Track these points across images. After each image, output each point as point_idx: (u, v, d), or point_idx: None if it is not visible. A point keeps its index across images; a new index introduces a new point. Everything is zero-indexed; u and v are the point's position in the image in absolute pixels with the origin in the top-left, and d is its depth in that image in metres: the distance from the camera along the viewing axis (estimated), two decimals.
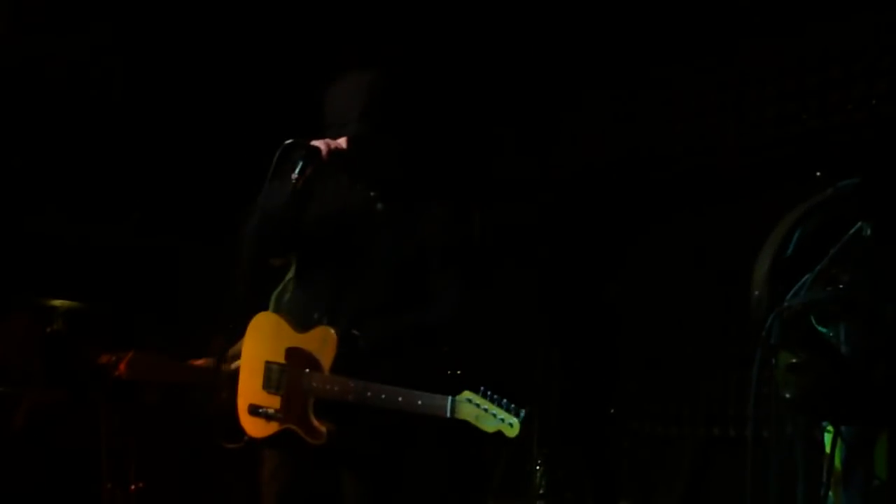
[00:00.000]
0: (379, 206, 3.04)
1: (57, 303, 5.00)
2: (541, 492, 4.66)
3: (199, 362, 4.59)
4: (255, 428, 3.01)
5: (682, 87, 5.39)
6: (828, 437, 2.14)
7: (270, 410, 2.96)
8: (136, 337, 5.06)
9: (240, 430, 3.05)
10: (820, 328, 2.06)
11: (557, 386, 5.68)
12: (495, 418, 2.75)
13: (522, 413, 2.75)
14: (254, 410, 3.00)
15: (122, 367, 4.53)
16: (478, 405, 2.76)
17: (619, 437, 5.57)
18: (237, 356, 3.28)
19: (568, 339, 5.77)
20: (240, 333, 3.18)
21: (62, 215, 5.85)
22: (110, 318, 5.34)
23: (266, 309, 3.18)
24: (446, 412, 2.78)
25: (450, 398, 2.78)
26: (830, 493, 2.14)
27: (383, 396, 2.83)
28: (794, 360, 2.04)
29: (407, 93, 3.05)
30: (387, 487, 3.01)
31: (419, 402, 2.81)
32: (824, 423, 2.15)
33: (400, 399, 2.81)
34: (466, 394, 2.78)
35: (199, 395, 4.22)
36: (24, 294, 5.07)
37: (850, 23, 4.68)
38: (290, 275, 3.23)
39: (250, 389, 3.04)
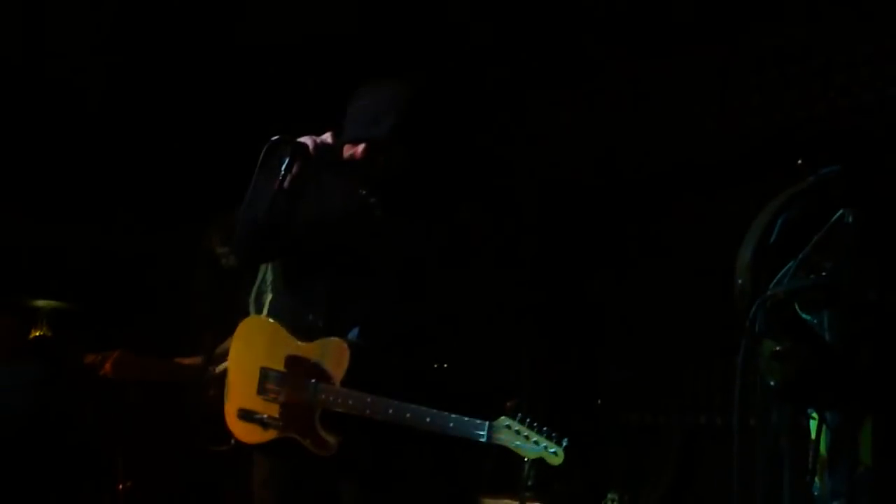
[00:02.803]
0: (378, 212, 3.00)
1: (41, 303, 4.97)
2: (529, 483, 4.66)
3: (187, 361, 4.57)
4: (246, 433, 2.96)
5: (664, 78, 5.40)
6: (813, 424, 2.15)
7: (267, 417, 2.90)
8: (123, 336, 5.03)
9: (226, 434, 3.00)
10: (803, 315, 2.07)
11: (544, 378, 5.69)
12: (538, 446, 2.69)
13: (566, 441, 2.70)
14: (247, 416, 2.93)
15: (107, 366, 4.50)
16: (518, 431, 2.70)
17: (606, 427, 5.59)
18: (225, 356, 3.24)
19: (554, 332, 5.78)
20: (228, 333, 3.14)
21: (46, 216, 5.82)
22: (96, 318, 5.31)
23: (243, 312, 3.13)
24: (483, 437, 2.71)
25: (487, 423, 2.72)
26: (816, 480, 2.15)
27: (408, 415, 2.76)
28: (777, 348, 2.05)
29: (437, 111, 3.02)
30: (388, 496, 2.98)
31: (451, 425, 2.73)
32: (809, 410, 2.16)
33: (428, 419, 2.74)
34: (504, 419, 2.71)
35: (187, 397, 4.21)
36: (8, 295, 5.04)
37: (830, 12, 4.70)
38: (263, 276, 3.17)
39: (242, 394, 2.97)
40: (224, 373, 3.12)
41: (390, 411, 2.77)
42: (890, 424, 2.07)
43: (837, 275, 2.04)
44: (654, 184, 5.47)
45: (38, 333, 4.99)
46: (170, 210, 6.02)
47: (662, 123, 5.38)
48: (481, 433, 2.72)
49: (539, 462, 2.73)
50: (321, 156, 2.88)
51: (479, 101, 5.77)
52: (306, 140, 2.88)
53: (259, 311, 3.10)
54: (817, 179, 2.18)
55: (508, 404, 5.37)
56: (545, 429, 2.70)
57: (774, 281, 2.08)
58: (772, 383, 2.07)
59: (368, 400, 2.79)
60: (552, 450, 2.69)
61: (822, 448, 2.14)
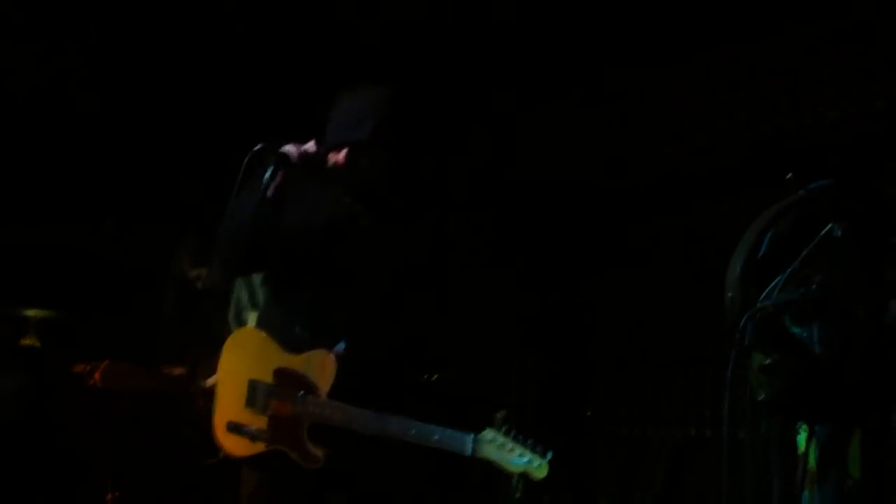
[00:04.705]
0: (363, 220, 2.98)
1: (31, 312, 4.96)
2: (518, 496, 4.65)
3: (176, 371, 4.56)
4: (235, 446, 2.93)
5: (655, 90, 5.42)
6: (802, 437, 2.15)
7: (255, 430, 2.88)
8: (112, 346, 5.02)
9: (215, 447, 2.98)
10: (793, 329, 2.07)
11: (533, 389, 5.69)
12: (521, 458, 2.69)
13: (549, 454, 2.69)
14: (235, 428, 2.91)
15: (96, 375, 4.50)
16: (502, 445, 2.70)
17: (595, 439, 5.58)
18: (216, 368, 3.23)
19: (543, 343, 5.78)
20: (210, 347, 3.12)
21: (35, 224, 5.81)
22: (85, 327, 5.30)
23: (224, 325, 3.12)
24: (467, 450, 2.71)
25: (471, 436, 2.72)
26: (805, 493, 2.15)
27: (393, 428, 2.76)
28: (767, 361, 2.05)
29: (417, 113, 3.00)
30: None
31: (435, 437, 2.72)
32: (798, 423, 2.17)
33: (413, 432, 2.74)
34: (489, 431, 2.71)
35: (177, 408, 4.20)
36: None
37: (819, 25, 4.72)
38: (237, 295, 3.14)
39: (231, 406, 2.94)
40: (214, 385, 3.11)
41: (375, 424, 2.77)
42: (878, 438, 2.07)
43: (826, 288, 2.05)
44: (642, 195, 5.48)
45: (27, 342, 4.97)
46: (160, 219, 6.02)
47: (654, 133, 5.40)
48: (465, 446, 2.71)
49: (527, 475, 2.72)
50: (305, 164, 2.86)
51: (468, 106, 5.77)
52: (290, 148, 2.85)
53: (237, 324, 3.09)
54: (806, 193, 2.19)
55: (497, 415, 5.38)
56: (529, 441, 2.69)
57: (764, 294, 2.08)
58: (761, 396, 2.07)
59: (355, 413, 2.79)
60: (536, 463, 2.68)
61: (812, 461, 2.14)
